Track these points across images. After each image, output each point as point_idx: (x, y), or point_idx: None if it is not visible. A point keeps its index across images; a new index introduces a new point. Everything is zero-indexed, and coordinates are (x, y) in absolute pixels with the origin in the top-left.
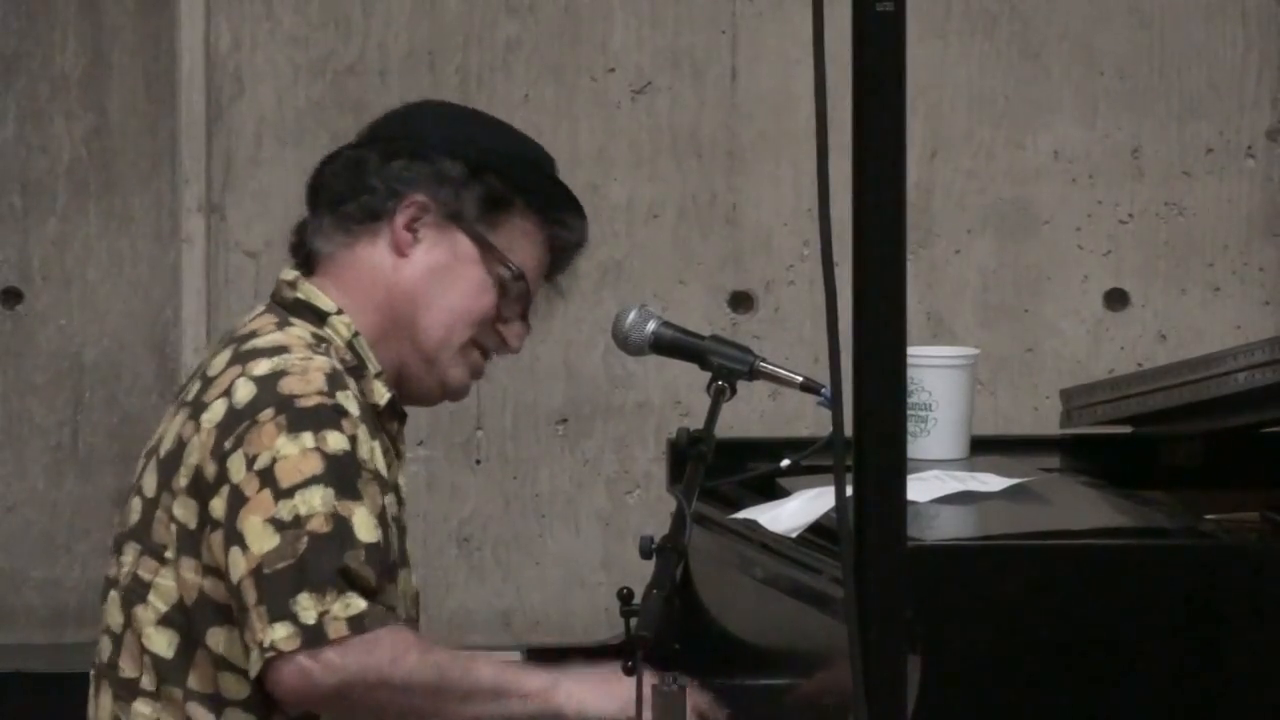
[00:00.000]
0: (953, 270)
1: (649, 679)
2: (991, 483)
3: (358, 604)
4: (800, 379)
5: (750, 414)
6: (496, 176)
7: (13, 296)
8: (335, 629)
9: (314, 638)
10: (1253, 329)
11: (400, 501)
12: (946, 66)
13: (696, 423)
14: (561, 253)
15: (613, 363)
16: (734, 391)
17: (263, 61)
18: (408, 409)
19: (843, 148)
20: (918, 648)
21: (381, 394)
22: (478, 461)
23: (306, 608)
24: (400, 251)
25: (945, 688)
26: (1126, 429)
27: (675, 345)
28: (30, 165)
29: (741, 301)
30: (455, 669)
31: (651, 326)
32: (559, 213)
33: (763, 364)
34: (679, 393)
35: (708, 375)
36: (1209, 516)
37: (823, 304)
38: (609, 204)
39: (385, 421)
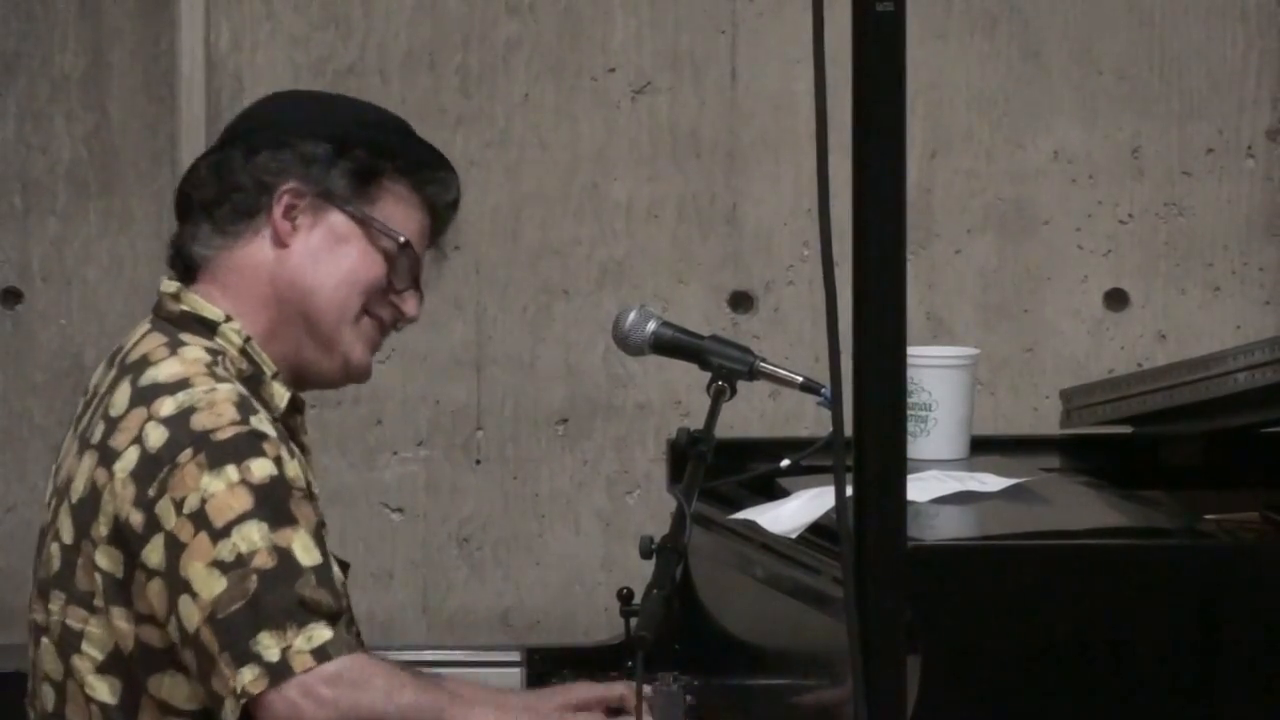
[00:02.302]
0: (953, 270)
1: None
2: (991, 483)
3: (321, 634)
4: (800, 379)
5: (750, 414)
6: (362, 149)
7: (13, 296)
8: (300, 662)
9: (280, 673)
10: (1253, 329)
11: (312, 496)
12: (946, 66)
13: (696, 423)
14: (441, 212)
15: (613, 363)
16: (734, 391)
17: (263, 62)
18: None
19: (843, 148)
20: (918, 648)
21: (281, 395)
22: (478, 461)
23: (268, 646)
24: (281, 243)
25: (945, 688)
26: (1126, 429)
27: (675, 345)
28: (30, 165)
29: (741, 301)
30: (455, 709)
31: (651, 326)
32: (430, 171)
33: (763, 364)
34: (679, 393)
35: (708, 375)
36: (1209, 516)
37: (823, 304)
38: (609, 204)
39: (288, 419)
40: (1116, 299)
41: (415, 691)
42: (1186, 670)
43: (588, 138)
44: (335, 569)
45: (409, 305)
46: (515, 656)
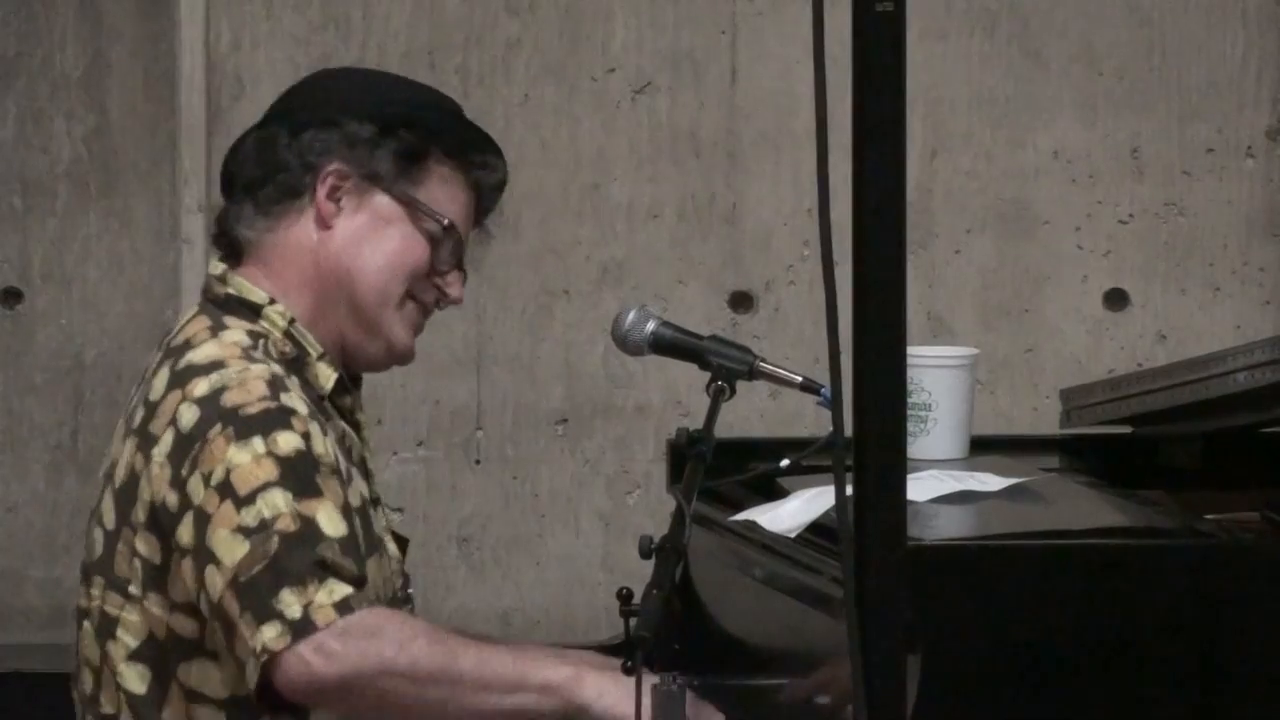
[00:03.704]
0: (953, 270)
1: (649, 679)
2: (991, 483)
3: (342, 589)
4: (800, 379)
5: (750, 414)
6: (408, 130)
7: (13, 296)
8: (323, 615)
9: (302, 629)
10: (1253, 329)
11: (368, 474)
12: (946, 66)
13: (696, 423)
14: (486, 194)
15: (613, 363)
16: (734, 391)
17: (263, 61)
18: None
19: (843, 148)
20: (918, 648)
21: (327, 376)
22: (478, 461)
23: (290, 603)
24: (325, 224)
25: (945, 688)
26: (1126, 429)
27: (675, 345)
28: (30, 165)
29: (741, 301)
30: (468, 657)
31: (651, 326)
32: (476, 154)
33: (762, 364)
34: (679, 393)
35: (708, 375)
36: (1209, 516)
37: (823, 304)
38: (609, 204)
39: (337, 399)
40: (1116, 299)
41: (429, 640)
42: (1186, 670)
43: (588, 138)
44: (391, 548)
45: (453, 287)
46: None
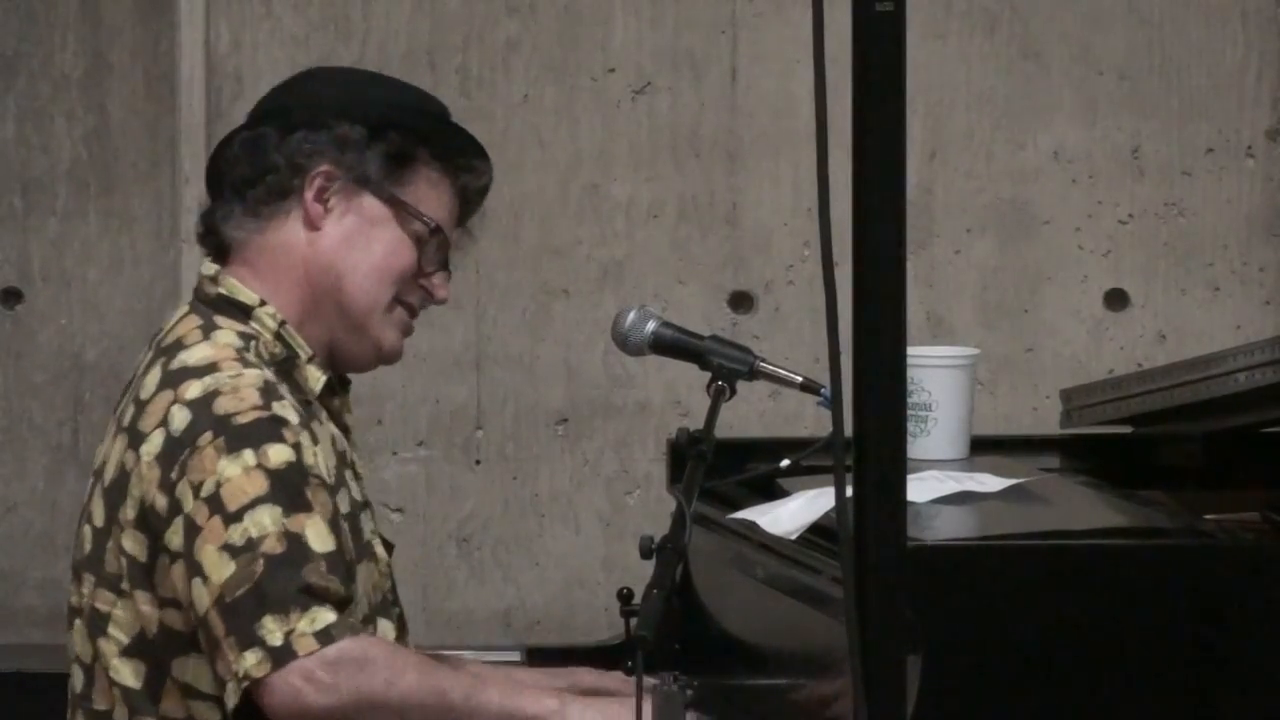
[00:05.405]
0: (953, 270)
1: (649, 679)
2: (990, 483)
3: (324, 616)
4: (800, 379)
5: (750, 414)
6: (397, 133)
7: (13, 296)
8: (303, 644)
9: (283, 657)
10: (1253, 329)
11: (357, 476)
12: (946, 66)
13: (696, 423)
14: (471, 197)
15: (613, 363)
16: (734, 392)
17: (263, 62)
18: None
19: (843, 148)
20: (918, 648)
21: (316, 379)
22: (478, 461)
23: (271, 630)
24: (313, 225)
25: (945, 688)
26: (1126, 429)
27: (675, 345)
28: (30, 165)
29: (741, 301)
30: (457, 691)
31: (651, 327)
32: (464, 159)
33: (763, 364)
34: (679, 393)
35: (708, 375)
36: (1209, 516)
37: (823, 304)
38: (609, 204)
39: (326, 401)
40: (1116, 299)
41: (419, 674)
42: (1186, 670)
43: (588, 138)
44: (379, 551)
45: (437, 288)
46: (515, 656)
